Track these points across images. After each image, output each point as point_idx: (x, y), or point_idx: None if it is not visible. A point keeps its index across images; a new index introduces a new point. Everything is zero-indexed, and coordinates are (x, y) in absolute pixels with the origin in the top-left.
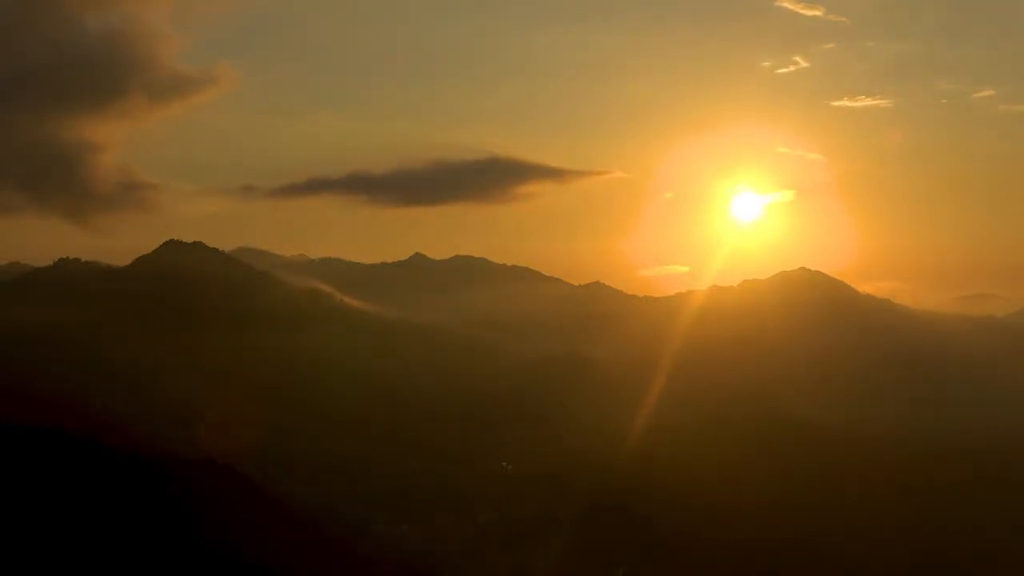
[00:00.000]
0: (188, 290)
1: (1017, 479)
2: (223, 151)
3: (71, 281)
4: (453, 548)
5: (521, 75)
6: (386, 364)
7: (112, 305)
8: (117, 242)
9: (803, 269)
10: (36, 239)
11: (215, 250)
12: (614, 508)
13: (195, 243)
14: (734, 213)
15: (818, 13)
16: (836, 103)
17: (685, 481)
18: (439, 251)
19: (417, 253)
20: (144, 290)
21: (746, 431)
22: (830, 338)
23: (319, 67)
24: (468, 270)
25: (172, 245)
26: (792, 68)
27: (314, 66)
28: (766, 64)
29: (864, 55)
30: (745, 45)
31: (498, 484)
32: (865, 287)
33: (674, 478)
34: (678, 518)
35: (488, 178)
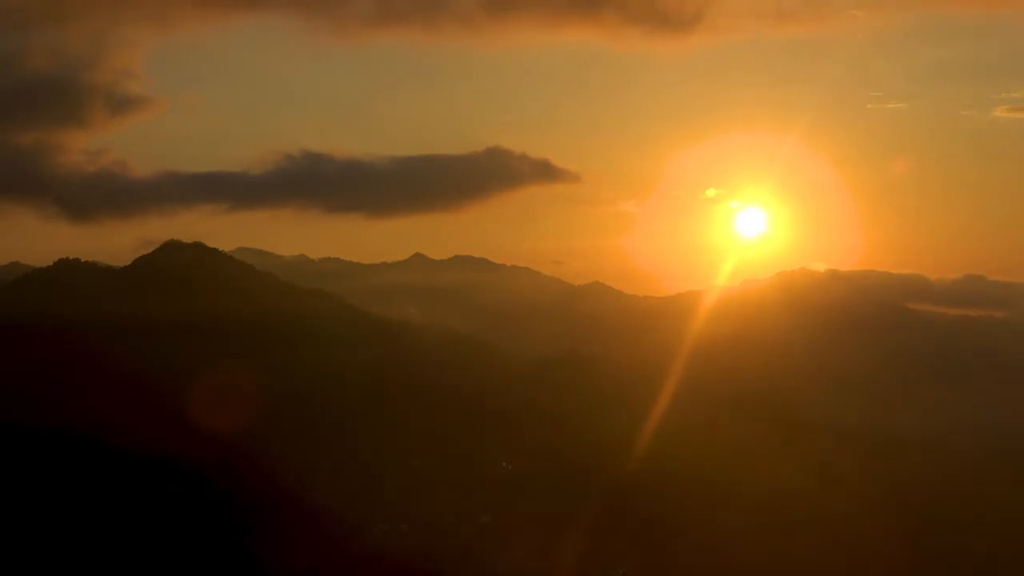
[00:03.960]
0: (188, 290)
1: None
2: (214, 148)
3: (71, 281)
4: (453, 548)
5: (523, 74)
6: (385, 364)
7: (112, 305)
8: (117, 242)
9: (803, 269)
10: (36, 239)
11: (215, 250)
12: (614, 508)
13: (195, 243)
14: (737, 214)
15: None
16: (853, 106)
17: (686, 481)
18: (439, 251)
19: (417, 253)
20: (144, 290)
21: (748, 431)
22: (831, 338)
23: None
24: (468, 270)
25: (172, 245)
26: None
27: (303, 62)
28: (782, 65)
29: (886, 59)
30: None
31: (498, 484)
32: (869, 287)
33: (675, 477)
34: (678, 518)
35: (488, 176)
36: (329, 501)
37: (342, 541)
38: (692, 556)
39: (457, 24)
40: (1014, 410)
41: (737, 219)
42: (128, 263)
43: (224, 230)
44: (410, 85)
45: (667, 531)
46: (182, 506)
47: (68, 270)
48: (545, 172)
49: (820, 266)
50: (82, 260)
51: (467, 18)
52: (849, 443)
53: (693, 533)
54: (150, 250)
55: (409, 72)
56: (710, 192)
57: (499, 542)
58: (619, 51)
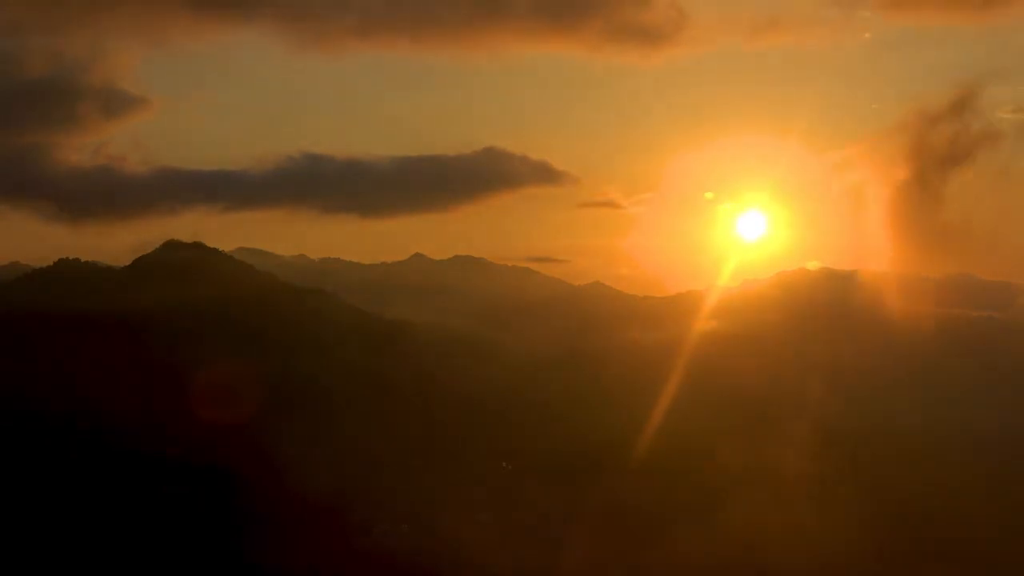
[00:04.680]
0: (188, 290)
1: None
2: (213, 149)
3: (71, 281)
4: (453, 548)
5: (516, 82)
6: (386, 364)
7: (112, 305)
8: (117, 242)
9: (802, 269)
10: (36, 239)
11: (215, 250)
12: (615, 507)
13: (195, 243)
14: (736, 215)
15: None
16: (854, 108)
17: (686, 480)
18: (439, 251)
19: (417, 253)
20: (144, 290)
21: (750, 432)
22: (830, 337)
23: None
24: (468, 270)
25: (172, 245)
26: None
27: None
28: (780, 70)
29: (888, 60)
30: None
31: (498, 484)
32: (870, 286)
33: (675, 477)
34: (679, 517)
35: (488, 177)
36: (328, 501)
37: (342, 541)
38: (694, 556)
39: (444, 36)
40: (1013, 411)
41: (736, 220)
42: (128, 263)
43: (224, 230)
44: (408, 90)
45: (668, 530)
46: (182, 506)
47: (68, 270)
48: (545, 174)
49: (820, 266)
50: (82, 260)
51: (453, 31)
52: (851, 443)
53: (694, 532)
54: (150, 250)
55: (406, 78)
56: (708, 195)
57: (499, 542)
58: (602, 62)
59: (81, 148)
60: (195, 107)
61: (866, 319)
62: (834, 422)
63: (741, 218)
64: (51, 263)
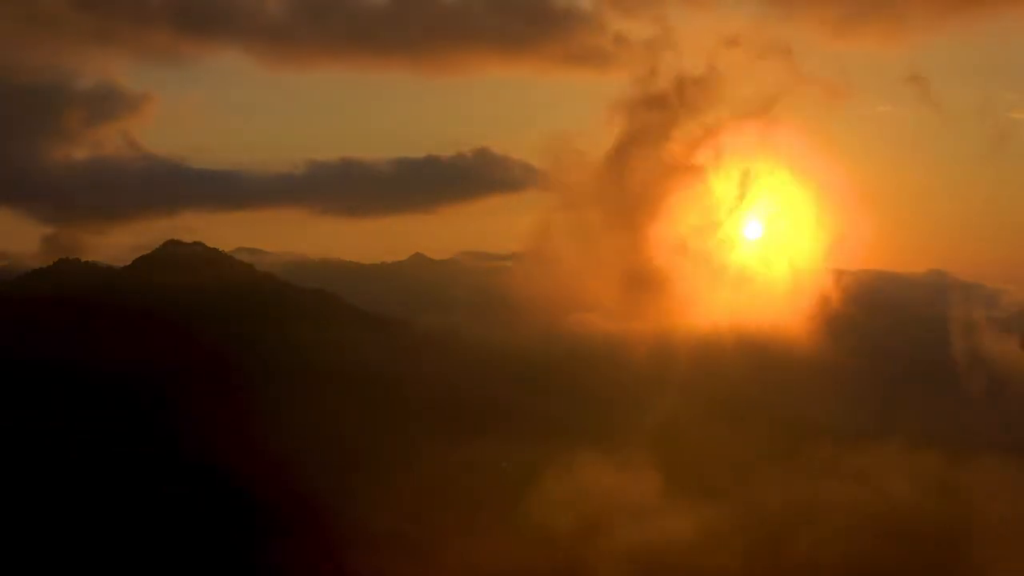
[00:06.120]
0: (188, 290)
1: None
2: (213, 150)
3: (71, 281)
4: (453, 548)
5: (501, 94)
6: (386, 364)
7: (112, 305)
8: (117, 242)
9: (808, 269)
10: (36, 239)
11: (215, 250)
12: (616, 506)
13: (195, 243)
14: (738, 213)
15: None
16: (861, 109)
17: (686, 480)
18: (439, 251)
19: (417, 253)
20: (144, 290)
21: (751, 432)
22: (832, 337)
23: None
24: (468, 270)
25: (172, 245)
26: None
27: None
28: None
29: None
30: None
31: (497, 484)
32: (875, 286)
33: (675, 477)
34: (678, 510)
35: (488, 179)
36: (328, 501)
37: (341, 541)
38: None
39: (412, 57)
40: (1007, 411)
41: (737, 220)
42: (128, 263)
43: (224, 230)
44: (407, 91)
45: (667, 527)
46: (182, 506)
47: (68, 270)
48: (539, 176)
49: (825, 266)
50: (82, 260)
51: (419, 53)
52: (851, 444)
53: (693, 525)
54: (150, 250)
55: (404, 81)
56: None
57: (498, 542)
58: (569, 81)
59: (79, 148)
60: (194, 109)
61: (873, 320)
62: (834, 423)
63: (742, 217)
64: (51, 263)
